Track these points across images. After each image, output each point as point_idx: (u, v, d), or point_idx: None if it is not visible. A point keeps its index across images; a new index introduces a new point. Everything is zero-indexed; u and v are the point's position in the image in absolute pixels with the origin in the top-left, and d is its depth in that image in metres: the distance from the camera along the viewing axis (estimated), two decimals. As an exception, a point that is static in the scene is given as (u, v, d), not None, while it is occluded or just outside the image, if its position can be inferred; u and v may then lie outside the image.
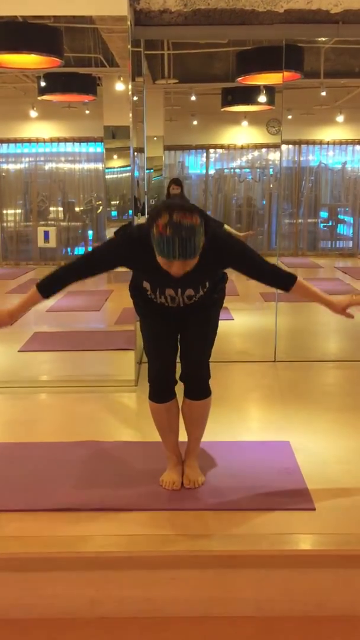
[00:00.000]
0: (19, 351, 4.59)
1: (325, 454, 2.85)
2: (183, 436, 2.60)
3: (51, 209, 10.23)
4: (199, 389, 2.50)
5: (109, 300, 6.66)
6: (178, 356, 2.52)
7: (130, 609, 2.11)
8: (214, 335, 2.53)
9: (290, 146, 10.33)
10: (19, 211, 10.04)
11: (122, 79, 5.56)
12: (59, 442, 2.99)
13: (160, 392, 2.49)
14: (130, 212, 4.37)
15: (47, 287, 2.31)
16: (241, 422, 3.24)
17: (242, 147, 9.78)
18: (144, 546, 2.16)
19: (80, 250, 10.25)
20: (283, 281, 2.33)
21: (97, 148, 10.26)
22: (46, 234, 5.28)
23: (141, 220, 4.34)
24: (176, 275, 2.15)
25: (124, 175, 5.90)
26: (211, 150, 10.39)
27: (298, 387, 3.84)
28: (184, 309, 2.41)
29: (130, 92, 3.86)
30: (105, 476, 2.63)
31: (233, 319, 5.30)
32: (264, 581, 2.13)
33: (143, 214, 4.75)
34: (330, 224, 11.09)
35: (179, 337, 2.50)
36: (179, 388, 2.52)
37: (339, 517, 2.32)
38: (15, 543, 2.18)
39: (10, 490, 2.52)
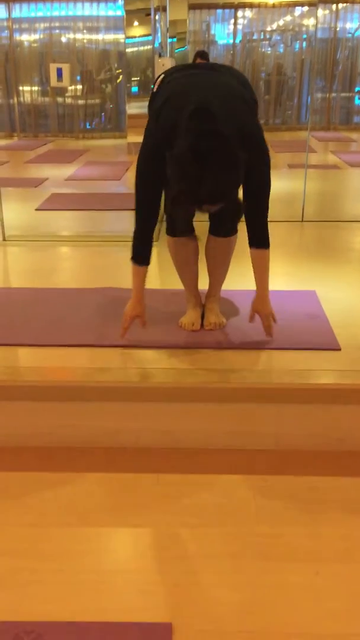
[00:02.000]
0: (36, 210, 4.45)
1: (350, 302, 2.74)
2: (204, 284, 2.49)
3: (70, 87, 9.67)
4: (226, 225, 2.35)
5: (130, 170, 6.41)
6: None
7: (148, 440, 2.10)
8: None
9: (327, 10, 9.44)
10: (35, 88, 9.53)
11: None
12: (77, 287, 2.92)
13: (177, 227, 2.34)
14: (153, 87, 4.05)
15: (141, 255, 2.20)
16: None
17: (273, 6, 8.97)
18: (162, 378, 2.11)
19: (92, 125, 9.81)
20: (257, 234, 2.13)
21: (117, 10, 9.49)
22: (59, 71, 4.95)
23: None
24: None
25: (146, 47, 5.46)
26: (239, 12, 9.57)
27: (325, 244, 3.69)
28: None
29: None
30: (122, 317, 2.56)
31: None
32: (284, 415, 2.09)
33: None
34: (365, 96, 10.39)
35: None
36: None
37: (364, 356, 2.24)
38: (34, 372, 2.16)
39: (29, 328, 2.47)
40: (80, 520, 1.77)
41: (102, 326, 2.48)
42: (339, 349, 2.28)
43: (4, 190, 4.24)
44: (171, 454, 2.06)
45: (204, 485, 1.92)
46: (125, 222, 4.34)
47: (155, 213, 2.16)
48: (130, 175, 6.20)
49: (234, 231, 2.38)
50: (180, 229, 2.34)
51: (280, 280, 3.11)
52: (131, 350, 2.29)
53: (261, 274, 2.23)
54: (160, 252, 3.50)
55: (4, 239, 3.74)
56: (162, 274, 3.21)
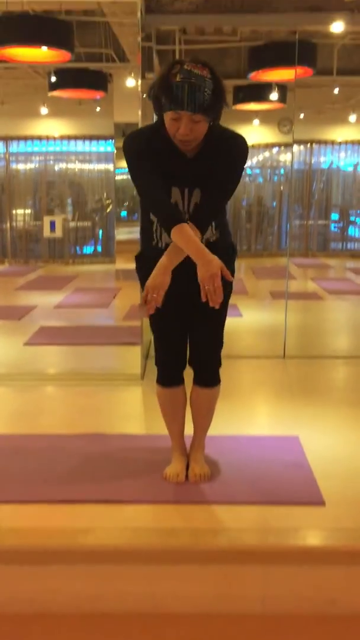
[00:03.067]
0: (24, 344, 4.53)
1: (334, 449, 2.77)
2: (189, 429, 2.53)
3: (60, 207, 10.20)
4: (209, 376, 2.41)
5: (117, 297, 6.62)
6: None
7: (132, 605, 2.04)
8: (224, 319, 2.39)
9: (302, 147, 10.24)
10: (28, 211, 10.03)
11: (132, 74, 5.51)
12: (62, 434, 2.93)
13: (167, 376, 2.41)
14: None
15: (177, 213, 2.11)
16: (249, 417, 3.17)
17: (252, 147, 9.71)
18: (146, 539, 2.09)
19: (88, 249, 10.24)
20: (202, 215, 2.13)
21: (108, 147, 10.23)
22: (52, 223, 5.24)
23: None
24: (183, 137, 2.04)
25: None
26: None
27: (307, 382, 3.76)
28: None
29: (139, 88, 3.80)
30: (108, 468, 2.56)
31: (242, 316, 5.23)
32: (270, 578, 2.05)
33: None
34: (341, 225, 10.99)
35: (189, 319, 2.37)
36: (188, 376, 2.45)
37: (349, 512, 2.23)
38: (14, 535, 2.12)
39: (10, 481, 2.45)
40: None
41: (86, 478, 2.47)
42: (323, 504, 2.28)
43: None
44: (154, 621, 1.99)
45: (189, 660, 1.84)
46: (112, 359, 4.43)
47: (160, 179, 2.12)
48: (118, 302, 6.40)
49: (217, 380, 2.44)
50: (170, 371, 2.38)
51: (262, 422, 3.16)
52: (115, 506, 2.27)
53: (194, 244, 2.09)
54: (146, 392, 3.56)
55: (-9, 378, 3.79)
56: (147, 415, 3.24)
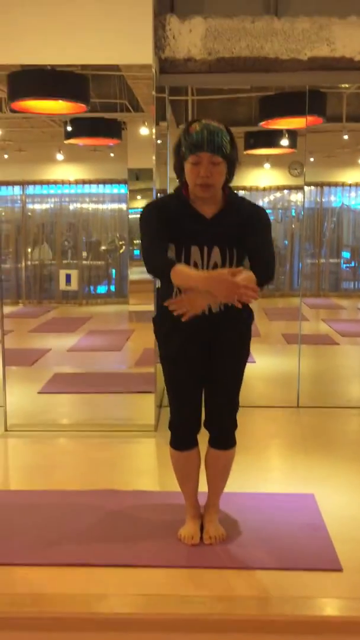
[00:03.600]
0: (38, 393, 4.55)
1: (352, 508, 2.73)
2: (203, 486, 2.51)
3: (75, 248, 10.35)
4: (225, 438, 2.42)
5: (130, 340, 6.64)
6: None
7: (145, 675, 2.01)
8: (240, 383, 2.42)
9: (313, 188, 10.37)
10: (43, 249, 10.18)
11: (146, 123, 5.65)
12: (75, 490, 2.92)
13: (182, 440, 2.41)
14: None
15: (168, 261, 2.17)
16: (262, 472, 3.14)
17: (264, 189, 9.83)
18: (160, 608, 2.06)
19: (102, 289, 10.33)
20: (263, 272, 2.19)
21: (121, 189, 10.42)
22: (68, 277, 5.31)
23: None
24: (204, 181, 2.17)
25: None
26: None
27: (322, 434, 3.73)
28: (212, 329, 2.29)
29: (154, 136, 3.90)
30: (122, 528, 2.55)
31: (255, 362, 5.22)
32: (287, 648, 2.01)
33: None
34: (352, 264, 11.02)
35: (204, 383, 2.40)
36: (202, 436, 2.44)
37: (367, 580, 2.20)
38: (27, 601, 2.10)
39: (23, 542, 2.45)
40: None
41: (99, 539, 2.46)
42: (341, 570, 2.24)
43: (8, 370, 4.37)
44: None
45: None
46: (125, 408, 4.43)
47: (163, 242, 2.22)
48: (131, 345, 6.42)
49: (233, 442, 2.44)
50: (184, 435, 2.39)
51: (276, 477, 3.13)
52: (129, 570, 2.25)
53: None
54: (159, 444, 3.55)
55: (6, 429, 3.80)
56: (161, 470, 3.23)
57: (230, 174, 2.27)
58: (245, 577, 2.21)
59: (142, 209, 2.36)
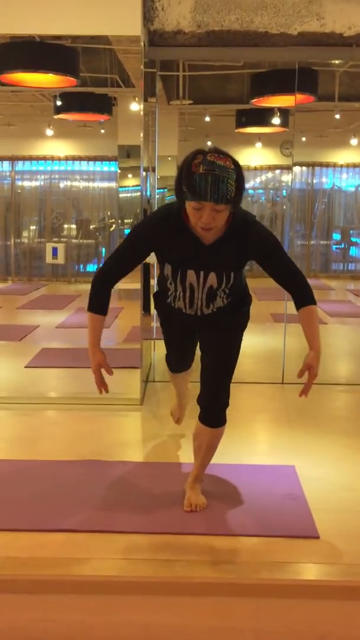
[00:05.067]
0: (25, 367, 4.57)
1: (331, 480, 2.79)
2: (190, 458, 2.56)
3: (65, 226, 10.31)
4: (216, 417, 2.45)
5: (119, 317, 6.66)
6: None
7: (125, 636, 2.05)
8: (235, 363, 2.47)
9: (304, 168, 10.34)
10: (32, 227, 10.13)
11: (137, 99, 5.60)
12: (60, 460, 2.95)
13: (174, 369, 2.86)
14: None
15: (98, 306, 2.33)
16: (246, 445, 3.19)
17: (255, 169, 9.80)
18: (141, 571, 2.11)
19: (92, 268, 10.32)
20: (302, 296, 2.24)
21: (112, 167, 10.34)
22: (54, 250, 5.30)
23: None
24: (206, 226, 2.09)
25: (136, 194, 5.94)
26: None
27: (306, 410, 3.78)
28: (205, 324, 2.38)
29: (142, 112, 3.88)
30: (105, 497, 2.59)
31: (242, 340, 5.26)
32: (264, 611, 2.06)
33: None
34: (342, 246, 11.05)
35: (201, 355, 2.53)
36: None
37: (343, 546, 2.25)
38: (9, 564, 2.14)
39: (6, 509, 2.48)
40: None
41: (83, 507, 2.49)
42: (318, 537, 2.29)
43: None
44: (148, 655, 2.01)
45: None
46: (112, 382, 4.45)
47: (123, 272, 2.31)
48: (120, 323, 6.43)
49: (222, 421, 2.47)
50: (178, 369, 2.83)
51: (260, 451, 3.18)
52: (111, 536, 2.29)
53: (312, 331, 2.24)
54: (145, 417, 3.59)
55: (-8, 400, 3.83)
56: (145, 443, 3.27)
57: (235, 207, 2.16)
58: (224, 543, 2.26)
59: (146, 218, 2.38)
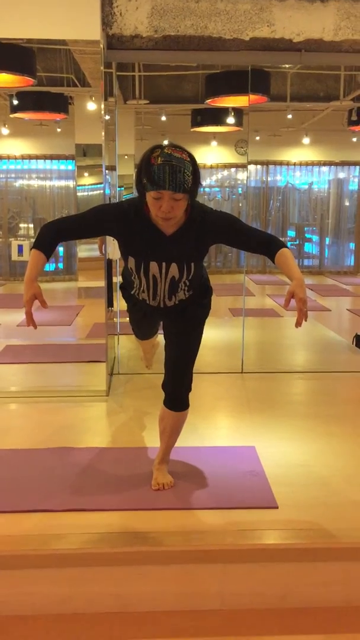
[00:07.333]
0: (-10, 363, 4.63)
1: (288, 456, 2.99)
2: (156, 442, 2.71)
3: (21, 225, 10.30)
4: (179, 401, 2.62)
5: (80, 315, 6.74)
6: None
7: (101, 605, 2.20)
8: (196, 351, 2.64)
9: (259, 166, 10.61)
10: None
11: (93, 98, 5.70)
12: (30, 448, 3.06)
13: (140, 338, 3.16)
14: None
15: (44, 245, 2.31)
16: (209, 429, 3.36)
17: (211, 167, 10.02)
18: (114, 544, 2.25)
19: (50, 267, 10.33)
20: (271, 247, 2.31)
21: (69, 165, 10.38)
22: (20, 247, 5.38)
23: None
24: (165, 215, 2.21)
25: (95, 192, 6.03)
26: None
27: (264, 396, 3.98)
28: (169, 315, 2.55)
29: (102, 112, 4.00)
30: (76, 480, 2.71)
31: (203, 329, 5.43)
32: (228, 575, 2.23)
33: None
34: (297, 242, 11.37)
35: (164, 344, 2.67)
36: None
37: (300, 515, 2.45)
38: (-12, 542, 2.25)
39: (-17, 493, 2.58)
40: None
41: (54, 489, 2.62)
42: (277, 507, 2.48)
43: None
44: (121, 619, 2.15)
45: (154, 652, 2.01)
46: (77, 376, 4.57)
47: (71, 232, 2.38)
48: (81, 320, 6.52)
49: (185, 405, 2.63)
50: (144, 338, 3.15)
51: (221, 434, 3.36)
52: (83, 514, 2.42)
53: (289, 266, 2.27)
54: (111, 408, 3.72)
55: None
56: (112, 430, 3.40)
57: (192, 198, 2.27)
58: (191, 516, 2.43)
59: (112, 203, 2.47)
